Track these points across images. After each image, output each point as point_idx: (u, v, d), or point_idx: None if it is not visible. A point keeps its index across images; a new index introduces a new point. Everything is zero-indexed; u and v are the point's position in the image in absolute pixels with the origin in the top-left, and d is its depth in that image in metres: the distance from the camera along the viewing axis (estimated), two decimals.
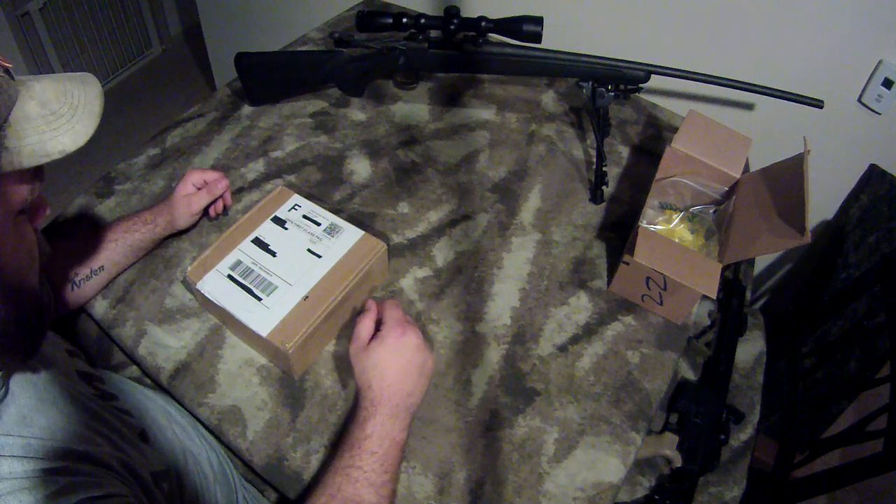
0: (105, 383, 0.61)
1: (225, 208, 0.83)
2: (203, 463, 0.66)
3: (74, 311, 0.74)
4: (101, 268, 0.72)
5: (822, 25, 0.99)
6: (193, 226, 0.81)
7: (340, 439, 0.60)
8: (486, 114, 1.05)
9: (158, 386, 0.72)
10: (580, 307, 0.79)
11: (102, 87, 0.44)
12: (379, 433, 0.58)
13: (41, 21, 2.04)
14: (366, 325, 0.64)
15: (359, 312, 0.73)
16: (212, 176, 0.79)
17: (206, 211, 0.81)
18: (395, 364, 0.61)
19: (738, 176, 0.83)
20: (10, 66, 0.40)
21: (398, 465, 0.59)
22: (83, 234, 0.72)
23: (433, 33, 0.92)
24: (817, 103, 0.89)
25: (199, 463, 0.66)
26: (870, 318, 1.08)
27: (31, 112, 0.39)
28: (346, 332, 0.74)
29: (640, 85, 0.90)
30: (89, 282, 0.71)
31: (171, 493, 0.57)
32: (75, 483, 0.42)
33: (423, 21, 0.89)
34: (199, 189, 0.78)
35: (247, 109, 1.02)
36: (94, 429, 0.50)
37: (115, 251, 0.73)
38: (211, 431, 0.69)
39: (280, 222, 0.76)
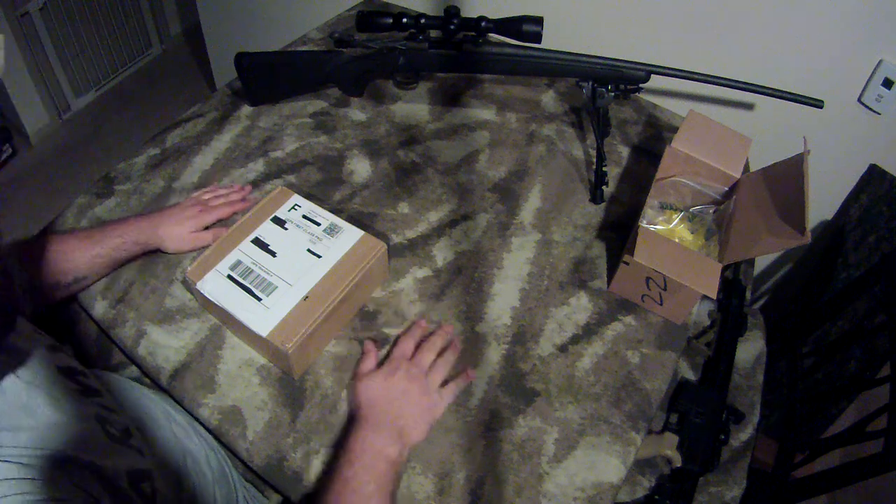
0: (90, 378, 0.59)
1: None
2: (202, 463, 0.66)
3: (63, 310, 0.75)
4: (85, 277, 0.73)
5: (822, 25, 0.99)
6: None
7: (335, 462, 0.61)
8: (486, 114, 1.05)
9: (158, 386, 0.72)
10: (580, 307, 0.79)
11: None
12: (360, 446, 0.59)
13: (41, 21, 2.04)
14: (367, 364, 0.68)
15: (364, 324, 0.73)
16: (221, 233, 0.78)
17: None
18: (387, 392, 0.64)
19: (738, 176, 0.83)
20: None
21: (387, 479, 0.58)
22: (74, 237, 0.72)
23: (433, 33, 0.92)
24: (817, 103, 0.89)
25: (197, 462, 0.66)
26: (870, 318, 1.09)
27: None
28: (346, 332, 0.74)
29: (640, 85, 0.90)
30: (68, 289, 0.72)
31: (153, 494, 0.55)
32: (22, 484, 0.40)
33: (423, 21, 0.89)
34: (206, 228, 0.79)
35: (247, 109, 1.02)
36: (64, 433, 0.48)
37: (101, 265, 0.73)
38: (211, 432, 0.69)
39: (280, 222, 0.76)
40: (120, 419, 0.58)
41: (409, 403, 0.64)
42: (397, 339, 0.72)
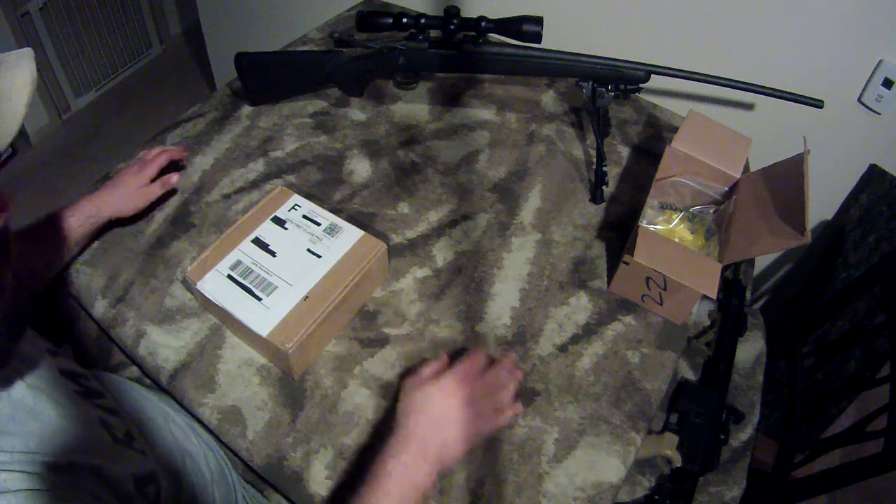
0: (91, 380, 0.59)
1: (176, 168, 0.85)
2: (201, 463, 0.66)
3: (71, 312, 0.75)
4: (49, 265, 0.73)
5: (822, 25, 0.99)
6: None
7: (367, 466, 0.58)
8: (486, 114, 1.05)
9: (158, 386, 0.72)
10: (580, 307, 0.79)
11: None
12: (399, 473, 0.54)
13: (41, 21, 2.04)
14: (431, 368, 0.62)
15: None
16: (161, 161, 0.81)
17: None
18: (440, 411, 0.58)
19: (738, 176, 0.83)
20: None
21: None
22: (33, 230, 0.73)
23: (433, 33, 0.92)
24: (817, 103, 0.89)
25: (196, 463, 0.66)
26: (870, 318, 1.09)
27: None
28: (346, 332, 0.74)
29: (640, 85, 0.90)
30: (39, 280, 0.72)
31: (158, 496, 0.55)
32: (33, 494, 0.41)
33: (423, 21, 0.89)
34: (152, 181, 0.80)
35: (247, 109, 1.02)
36: (70, 436, 0.48)
37: (66, 248, 0.74)
38: (211, 432, 0.69)
39: (280, 222, 0.76)
40: (121, 421, 0.58)
41: (460, 427, 0.58)
42: (464, 351, 0.66)
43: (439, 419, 0.58)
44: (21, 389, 0.47)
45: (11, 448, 0.42)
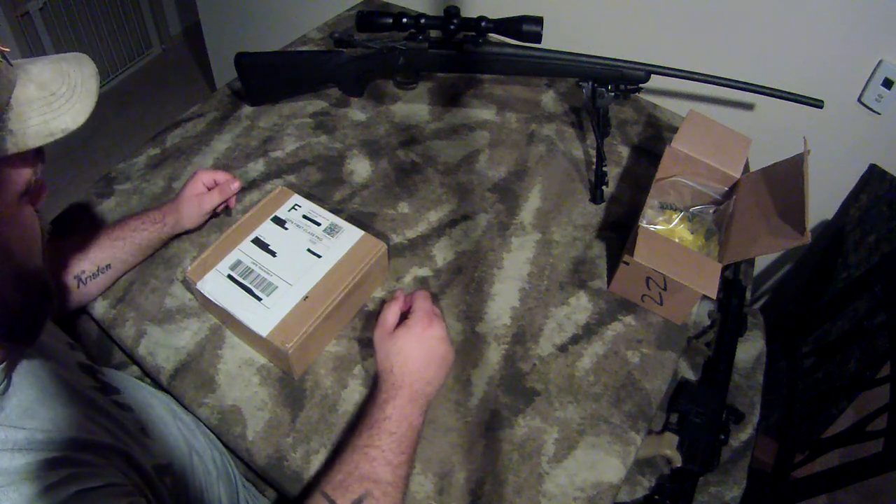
0: (107, 376, 0.61)
1: (227, 208, 0.83)
2: (207, 461, 0.67)
3: (77, 309, 0.74)
4: (108, 266, 0.72)
5: (822, 25, 0.99)
6: (200, 226, 0.81)
7: (359, 420, 0.61)
8: (486, 114, 1.05)
9: (159, 386, 0.72)
10: (580, 307, 0.79)
11: (102, 87, 0.44)
12: (398, 415, 0.59)
13: (41, 21, 2.04)
14: (392, 312, 0.66)
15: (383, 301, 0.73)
16: (223, 177, 0.79)
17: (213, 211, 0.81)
18: (419, 353, 0.63)
19: (738, 176, 0.83)
20: (7, 50, 0.40)
21: (414, 449, 0.60)
22: (90, 231, 0.72)
23: (433, 33, 0.92)
24: (817, 103, 0.89)
25: (203, 460, 0.66)
26: (870, 318, 1.08)
27: (31, 94, 0.40)
28: (347, 332, 0.74)
29: (640, 85, 0.90)
30: (95, 280, 0.71)
31: (174, 487, 0.57)
32: (75, 474, 0.42)
33: (423, 21, 0.89)
34: (209, 189, 0.79)
35: (247, 109, 1.02)
36: (95, 420, 0.50)
37: (122, 249, 0.73)
38: (211, 431, 0.69)
39: (280, 222, 0.76)
40: (134, 416, 0.59)
41: (437, 363, 0.64)
42: (410, 294, 0.69)
43: (418, 361, 0.63)
44: (48, 375, 0.49)
45: (33, 426, 0.44)
